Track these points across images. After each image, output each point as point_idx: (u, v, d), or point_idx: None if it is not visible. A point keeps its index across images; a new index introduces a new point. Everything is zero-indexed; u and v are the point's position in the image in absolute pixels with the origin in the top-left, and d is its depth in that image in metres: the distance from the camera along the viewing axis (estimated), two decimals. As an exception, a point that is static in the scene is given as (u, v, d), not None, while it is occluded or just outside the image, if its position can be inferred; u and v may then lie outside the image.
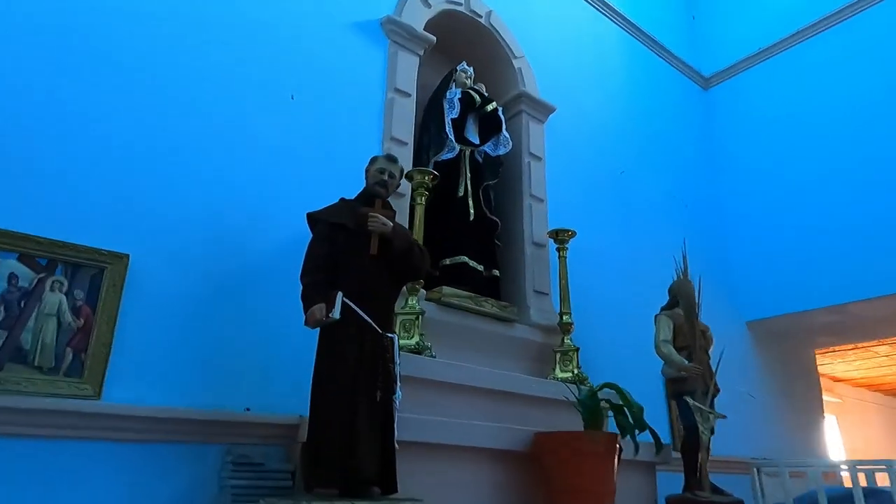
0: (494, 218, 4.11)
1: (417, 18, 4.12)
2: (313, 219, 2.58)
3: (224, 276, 2.84)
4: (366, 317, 2.35)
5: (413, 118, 3.93)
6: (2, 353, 2.25)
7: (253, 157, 3.13)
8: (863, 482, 3.17)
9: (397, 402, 2.33)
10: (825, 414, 6.55)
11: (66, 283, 2.45)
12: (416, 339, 3.09)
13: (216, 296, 2.79)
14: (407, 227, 3.29)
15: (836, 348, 8.67)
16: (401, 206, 3.41)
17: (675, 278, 3.79)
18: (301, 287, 2.43)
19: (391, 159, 2.70)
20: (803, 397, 6.30)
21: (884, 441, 11.41)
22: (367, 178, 2.69)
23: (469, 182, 4.06)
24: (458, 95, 4.13)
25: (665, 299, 4.13)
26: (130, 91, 2.82)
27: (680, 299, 3.58)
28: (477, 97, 4.23)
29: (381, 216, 2.46)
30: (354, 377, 2.25)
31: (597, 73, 5.50)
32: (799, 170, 5.80)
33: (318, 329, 2.40)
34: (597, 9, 5.76)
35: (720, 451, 4.08)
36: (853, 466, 3.23)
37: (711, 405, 3.49)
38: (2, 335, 2.26)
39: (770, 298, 5.68)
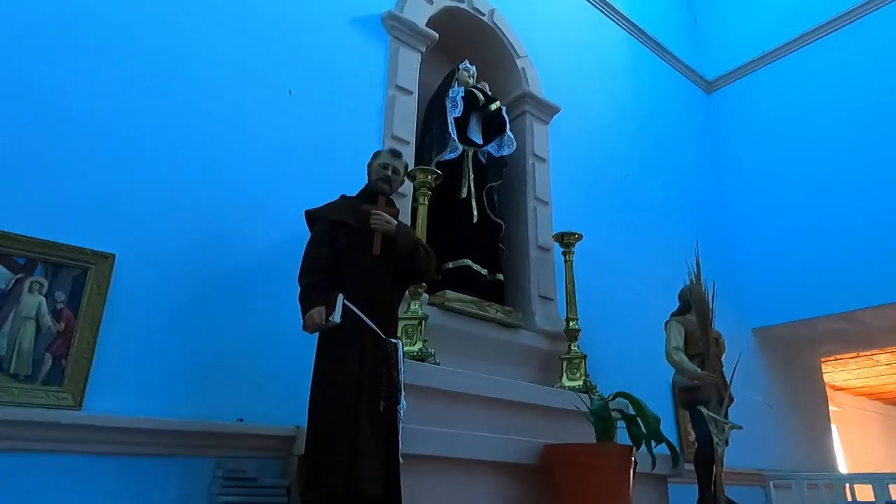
0: (498, 220, 3.97)
1: (419, 14, 3.99)
2: (312, 217, 2.43)
3: (216, 278, 2.68)
4: (368, 321, 2.20)
5: (415, 116, 3.80)
6: (-26, 359, 2.08)
7: (248, 153, 2.99)
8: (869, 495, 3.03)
9: (402, 413, 2.17)
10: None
11: (45, 285, 2.28)
12: (418, 345, 2.93)
13: (207, 299, 2.63)
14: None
15: (839, 357, 8.57)
16: (402, 207, 3.26)
17: (686, 283, 3.64)
18: (299, 289, 2.27)
19: (395, 154, 2.54)
20: (809, 406, 6.18)
21: (884, 450, 11.31)
22: (369, 174, 2.54)
23: (472, 183, 3.93)
24: (462, 94, 4.00)
25: (673, 304, 4.00)
26: (119, 82, 2.67)
27: (693, 305, 3.44)
28: (480, 96, 4.10)
29: (384, 214, 2.30)
30: (356, 385, 2.09)
31: (600, 74, 5.39)
32: (805, 174, 5.71)
33: (316, 334, 2.24)
34: (599, 10, 5.66)
35: (726, 462, 3.94)
36: (880, 480, 3.08)
37: (725, 415, 3.34)
38: (-26, 340, 2.09)
39: (776, 305, 5.57)
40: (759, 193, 5.98)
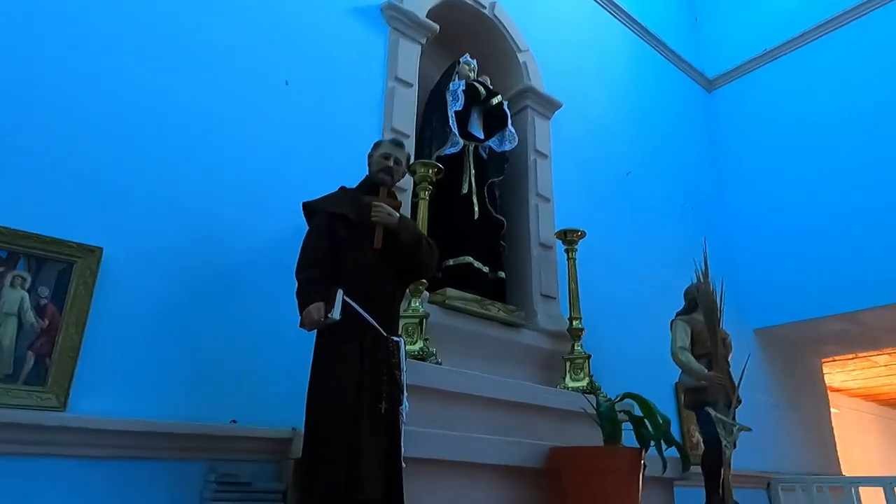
0: (500, 217, 3.87)
1: (419, 5, 3.89)
2: (310, 209, 2.32)
3: (209, 274, 2.56)
4: (369, 318, 2.09)
5: (415, 110, 3.69)
6: (-49, 357, 1.97)
7: (244, 145, 2.88)
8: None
9: (404, 415, 2.06)
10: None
11: (28, 279, 2.17)
12: (419, 344, 2.83)
13: (200, 295, 2.51)
14: (409, 222, 3.03)
15: (837, 358, 8.52)
16: (402, 202, 3.16)
17: (693, 281, 3.56)
18: (296, 284, 2.16)
19: (397, 144, 2.44)
20: (810, 408, 6.11)
21: (881, 452, 11.28)
22: (369, 165, 2.43)
23: (473, 179, 3.83)
24: (462, 87, 3.90)
25: (675, 303, 3.92)
26: (109, 70, 2.55)
27: (700, 304, 3.35)
28: (482, 89, 4.01)
29: (385, 206, 2.20)
30: (357, 386, 1.98)
31: (601, 71, 5.31)
32: (806, 173, 5.64)
33: (314, 331, 2.13)
34: (600, 5, 5.58)
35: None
36: (890, 483, 3.00)
37: (733, 417, 3.26)
38: (-49, 337, 1.98)
39: (778, 305, 5.49)
40: (760, 193, 5.91)
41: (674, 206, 5.40)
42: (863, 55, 5.62)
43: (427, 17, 3.92)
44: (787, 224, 5.62)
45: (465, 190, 3.78)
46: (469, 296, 3.45)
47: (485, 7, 4.35)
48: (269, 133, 2.99)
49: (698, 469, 3.42)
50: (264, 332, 2.60)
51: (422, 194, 3.22)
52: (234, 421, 2.41)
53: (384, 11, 3.72)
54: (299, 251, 2.21)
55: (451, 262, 3.57)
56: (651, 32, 5.97)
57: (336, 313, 2.01)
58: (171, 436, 2.22)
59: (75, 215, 2.30)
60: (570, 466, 2.58)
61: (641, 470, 2.55)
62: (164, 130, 2.63)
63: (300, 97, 3.18)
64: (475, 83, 4.01)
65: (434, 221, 3.35)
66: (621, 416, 2.76)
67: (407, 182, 3.29)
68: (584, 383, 3.48)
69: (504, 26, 4.44)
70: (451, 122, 3.76)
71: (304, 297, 2.09)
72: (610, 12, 5.64)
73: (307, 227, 2.33)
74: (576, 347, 3.63)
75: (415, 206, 3.28)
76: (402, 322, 2.80)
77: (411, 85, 3.69)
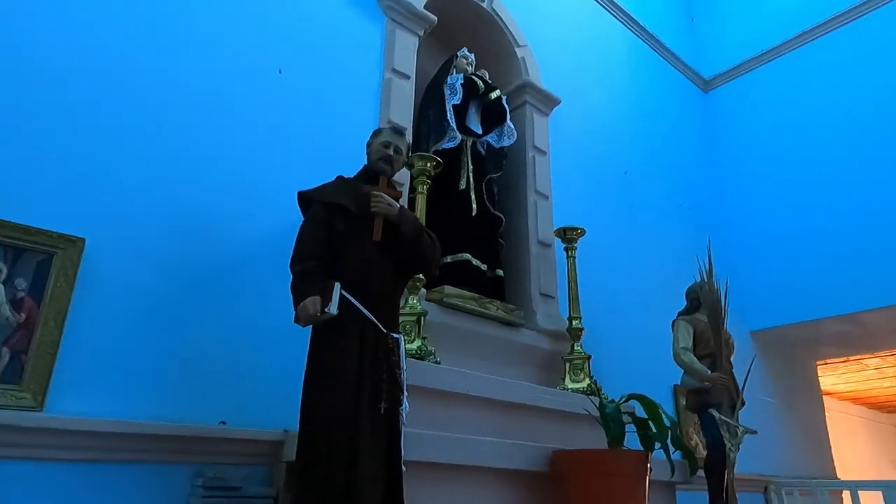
0: (498, 214, 3.78)
1: (417, -4, 3.79)
2: (306, 198, 2.21)
3: (197, 267, 2.44)
4: (368, 313, 1.98)
5: (412, 103, 3.59)
6: (-82, 352, 1.84)
7: (235, 133, 2.76)
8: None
9: (404, 415, 1.96)
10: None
11: (4, 271, 2.04)
12: (417, 342, 2.73)
13: (187, 289, 2.39)
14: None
15: (828, 361, 8.52)
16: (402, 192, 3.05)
17: (692, 281, 3.49)
18: (291, 277, 2.05)
19: (397, 131, 2.33)
20: (805, 410, 6.06)
21: (871, 456, 11.31)
22: (368, 154, 2.33)
23: (471, 174, 3.74)
24: (461, 81, 3.81)
25: (674, 303, 3.85)
26: (96, 52, 2.42)
27: (704, 303, 3.28)
28: (480, 84, 3.92)
29: (385, 196, 2.09)
30: (356, 384, 1.87)
31: (598, 68, 5.24)
32: (803, 174, 5.61)
33: (310, 327, 2.02)
34: (598, 2, 5.51)
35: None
36: (889, 487, 2.93)
37: (737, 419, 3.19)
38: (-81, 331, 1.85)
39: (776, 306, 5.44)
40: (757, 193, 5.87)
41: (673, 206, 5.34)
42: (860, 56, 5.60)
43: (425, 8, 3.82)
44: (785, 225, 5.58)
45: (462, 186, 3.69)
46: (467, 294, 3.36)
47: (483, 0, 4.26)
48: (262, 122, 2.88)
49: (701, 472, 3.34)
50: (256, 329, 2.49)
51: (419, 188, 3.12)
52: (224, 422, 2.29)
53: (381, 1, 3.62)
54: (294, 242, 2.10)
55: (448, 259, 3.47)
56: (648, 31, 5.92)
57: (333, 308, 1.90)
58: (157, 437, 2.10)
59: (56, 203, 2.17)
60: (574, 470, 2.48)
61: (648, 473, 2.46)
62: (151, 117, 2.51)
63: (294, 87, 3.07)
64: (473, 77, 3.93)
65: (431, 217, 3.25)
66: (625, 417, 2.68)
67: (404, 176, 3.19)
68: (584, 384, 3.39)
69: (502, 20, 4.36)
70: (448, 115, 3.67)
71: (300, 291, 1.97)
72: (607, 10, 5.58)
73: (302, 218, 2.22)
74: (575, 348, 3.54)
75: (412, 201, 3.17)
76: (399, 319, 2.70)
77: (408, 77, 3.59)
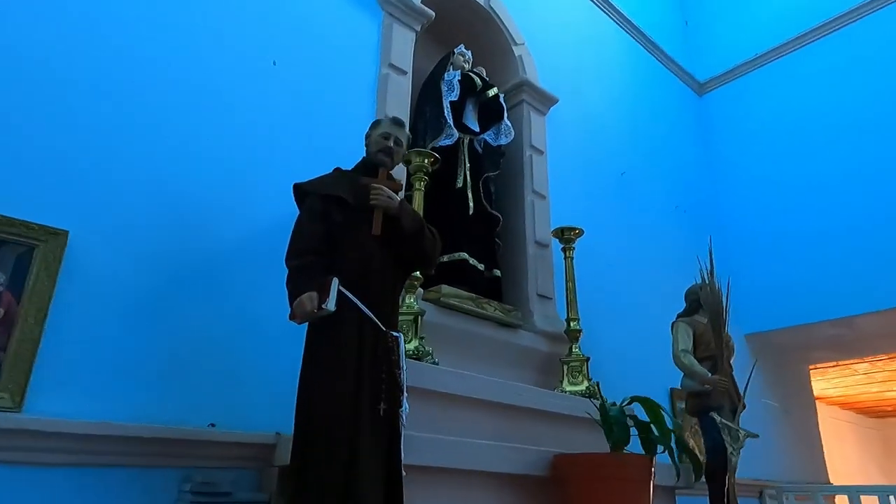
0: (496, 213, 3.71)
1: (414, -9, 3.72)
2: (302, 190, 2.12)
3: (186, 262, 2.35)
4: (366, 310, 1.90)
5: (409, 98, 3.52)
6: None
7: (228, 125, 2.67)
8: None
9: (404, 417, 1.87)
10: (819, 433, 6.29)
11: (-18, 263, 1.93)
12: (414, 342, 2.65)
13: (176, 285, 2.30)
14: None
15: (818, 366, 8.53)
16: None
17: (695, 282, 3.44)
18: (287, 272, 1.96)
19: (397, 123, 2.25)
20: (799, 415, 6.05)
21: (859, 460, 11.37)
22: (367, 145, 2.25)
23: (468, 173, 3.67)
24: (458, 77, 3.74)
25: (671, 305, 3.80)
26: (86, 36, 2.33)
27: (705, 305, 3.23)
28: (478, 80, 3.85)
29: (385, 188, 2.01)
30: (355, 384, 1.78)
31: (595, 69, 5.20)
32: (798, 178, 5.60)
33: (305, 325, 1.93)
34: (595, 3, 5.48)
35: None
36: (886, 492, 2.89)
37: (737, 422, 3.13)
38: None
39: (771, 310, 5.41)
40: (751, 196, 5.85)
41: (669, 208, 5.31)
42: (853, 61, 5.61)
43: (422, 3, 3.75)
44: (780, 229, 5.57)
45: (459, 184, 3.62)
46: (465, 293, 3.28)
47: (480, -3, 4.20)
48: (257, 116, 2.80)
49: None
50: (247, 327, 2.40)
51: (417, 185, 3.05)
52: (213, 424, 2.20)
53: (378, -5, 3.55)
54: (291, 236, 2.01)
55: (445, 258, 3.39)
56: (644, 33, 5.90)
57: (331, 304, 1.82)
58: (142, 440, 2.00)
59: (39, 194, 2.07)
60: (577, 475, 2.41)
61: (652, 478, 2.39)
62: (140, 106, 2.41)
63: (289, 81, 2.99)
64: (471, 74, 3.86)
65: (428, 215, 3.16)
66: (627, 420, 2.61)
67: (400, 172, 3.11)
68: (582, 387, 3.32)
69: (500, 18, 4.30)
70: (446, 112, 3.60)
71: (296, 286, 1.88)
72: (604, 10, 5.55)
73: (297, 211, 2.13)
74: (573, 350, 3.47)
75: (409, 199, 3.08)
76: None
77: (405, 72, 3.52)
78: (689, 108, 6.39)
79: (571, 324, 3.52)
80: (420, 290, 3.02)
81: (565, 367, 3.43)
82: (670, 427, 2.48)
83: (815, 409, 6.31)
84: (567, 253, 3.70)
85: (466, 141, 3.75)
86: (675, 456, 2.46)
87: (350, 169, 2.21)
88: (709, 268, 3.17)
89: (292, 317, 1.88)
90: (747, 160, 6.01)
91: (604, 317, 4.12)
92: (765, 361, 5.75)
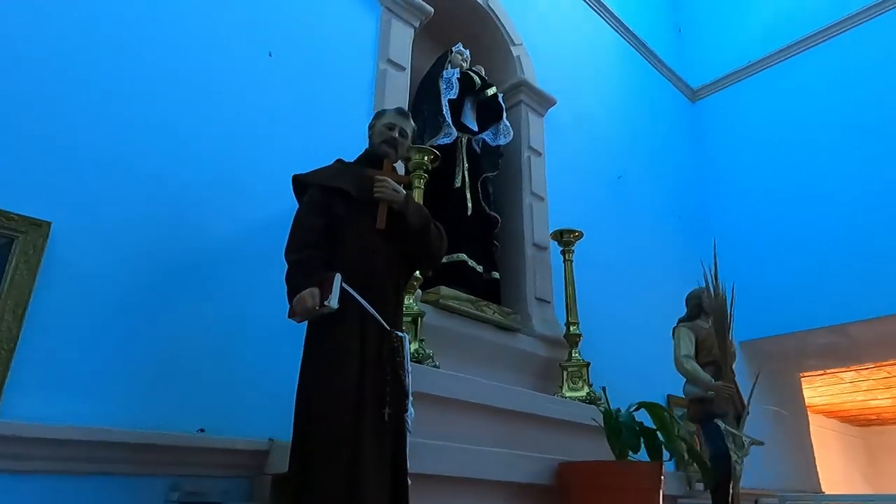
0: (494, 214, 3.63)
1: (413, -13, 3.64)
2: (302, 182, 2.01)
3: (175, 257, 2.22)
4: (370, 308, 1.80)
5: (407, 95, 3.43)
6: None
7: (221, 117, 2.56)
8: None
9: (409, 422, 1.77)
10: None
11: (-44, 255, 1.80)
12: (415, 345, 2.55)
13: (165, 282, 2.18)
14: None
15: (806, 374, 8.56)
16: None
17: (698, 286, 3.38)
18: (286, 267, 1.85)
19: (402, 113, 2.15)
20: (791, 423, 6.02)
21: (844, 469, 11.43)
22: (371, 136, 2.14)
23: (466, 173, 3.58)
24: (457, 75, 3.67)
25: (671, 310, 3.74)
26: (73, 27, 2.21)
27: (708, 309, 3.17)
28: (477, 79, 3.78)
29: (391, 181, 1.92)
30: (357, 386, 1.68)
31: (591, 72, 5.17)
32: (791, 185, 5.60)
33: (304, 324, 1.82)
34: (591, 7, 5.45)
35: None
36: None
37: (742, 430, 3.07)
38: None
39: (765, 317, 5.39)
40: (744, 204, 5.85)
41: (666, 212, 5.28)
42: (843, 71, 5.65)
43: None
44: (773, 236, 5.56)
45: (457, 184, 3.53)
46: (464, 296, 3.19)
47: (479, -5, 4.14)
48: (252, 110, 2.69)
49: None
50: (240, 327, 2.28)
51: (416, 183, 2.95)
52: (202, 430, 2.08)
53: (376, -10, 3.47)
54: (290, 229, 1.90)
55: (443, 259, 3.29)
56: (639, 38, 5.90)
57: (333, 301, 1.71)
58: (127, 446, 1.87)
59: (20, 183, 1.94)
60: (583, 484, 2.32)
61: (661, 486, 2.31)
62: (132, 97, 2.29)
63: (286, 76, 2.89)
64: (470, 72, 3.79)
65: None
66: (632, 428, 2.53)
67: (398, 169, 3.01)
68: (582, 393, 3.24)
69: (498, 18, 4.24)
70: (444, 110, 3.53)
71: (296, 282, 1.77)
72: (600, 14, 5.52)
73: (294, 207, 2.02)
74: (573, 354, 3.39)
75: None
76: (400, 318, 2.51)
77: (404, 69, 3.43)
78: (682, 113, 6.40)
79: (571, 328, 3.45)
80: (419, 291, 2.92)
81: (565, 373, 3.35)
82: (679, 434, 2.39)
83: (807, 418, 6.31)
84: (566, 256, 3.63)
85: (465, 140, 3.67)
86: (684, 463, 2.37)
87: (352, 161, 2.11)
88: (713, 272, 3.11)
89: (292, 314, 1.77)
90: (740, 167, 6.01)
91: (599, 322, 4.05)
92: (755, 369, 5.73)
